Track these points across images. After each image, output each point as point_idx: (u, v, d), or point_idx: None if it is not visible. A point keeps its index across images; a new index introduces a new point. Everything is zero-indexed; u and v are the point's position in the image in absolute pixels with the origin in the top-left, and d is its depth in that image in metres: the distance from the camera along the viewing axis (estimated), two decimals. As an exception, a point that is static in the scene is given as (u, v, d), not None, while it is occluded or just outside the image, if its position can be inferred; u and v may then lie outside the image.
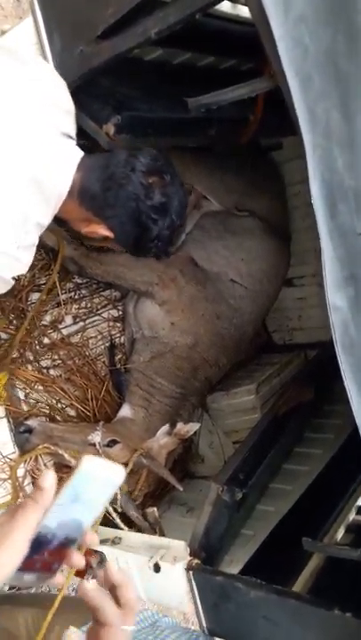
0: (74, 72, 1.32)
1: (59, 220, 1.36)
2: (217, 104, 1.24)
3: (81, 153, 1.31)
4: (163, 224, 1.32)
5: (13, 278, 1.27)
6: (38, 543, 0.67)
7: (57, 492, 0.67)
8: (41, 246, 1.95)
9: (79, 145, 1.33)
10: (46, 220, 1.26)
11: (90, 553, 0.75)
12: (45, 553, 0.68)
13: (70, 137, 1.32)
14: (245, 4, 1.43)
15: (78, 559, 0.71)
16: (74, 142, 1.33)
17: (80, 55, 1.27)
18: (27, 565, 0.66)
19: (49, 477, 0.67)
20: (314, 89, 0.84)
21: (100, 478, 0.68)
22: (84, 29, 1.26)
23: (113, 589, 0.72)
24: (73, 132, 1.34)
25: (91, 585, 0.70)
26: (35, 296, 1.97)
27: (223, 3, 1.31)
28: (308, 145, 0.87)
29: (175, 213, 1.33)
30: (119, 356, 2.24)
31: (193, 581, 1.48)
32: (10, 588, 2.01)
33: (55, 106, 1.28)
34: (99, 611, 0.69)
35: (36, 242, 1.26)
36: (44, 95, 1.26)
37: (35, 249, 1.27)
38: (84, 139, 1.74)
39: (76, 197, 1.30)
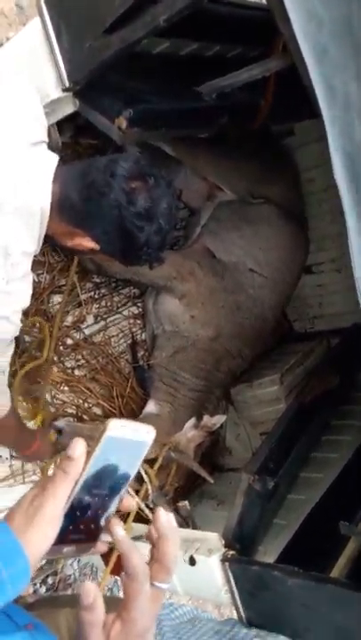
0: (83, 68, 1.32)
1: (45, 236, 1.32)
2: (230, 87, 1.22)
3: (55, 157, 1.24)
4: (150, 230, 1.23)
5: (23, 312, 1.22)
6: (73, 515, 0.65)
7: (86, 461, 0.64)
8: (58, 248, 1.96)
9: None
10: (33, 245, 1.19)
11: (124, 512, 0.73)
12: (82, 524, 0.66)
13: (41, 142, 1.27)
14: (252, -12, 1.43)
15: (115, 525, 0.68)
16: (45, 146, 1.28)
17: (89, 50, 1.26)
18: (64, 538, 0.64)
19: (78, 446, 0.64)
20: (331, 62, 0.83)
21: (128, 441, 0.66)
22: (91, 24, 1.25)
23: (157, 541, 0.69)
24: (44, 135, 1.28)
25: (121, 532, 0.67)
26: (55, 298, 1.98)
27: (229, -13, 1.31)
28: (327, 119, 0.86)
29: (163, 217, 1.24)
30: (142, 353, 2.24)
31: (229, 572, 1.47)
32: (47, 590, 2.03)
33: (22, 115, 1.23)
34: (124, 559, 0.66)
35: (29, 269, 1.19)
36: (7, 108, 1.21)
37: (31, 277, 1.20)
38: (96, 137, 1.75)
39: (55, 212, 1.22)
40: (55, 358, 1.96)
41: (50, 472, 1.82)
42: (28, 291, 1.21)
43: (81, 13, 1.31)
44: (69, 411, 1.97)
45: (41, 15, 1.38)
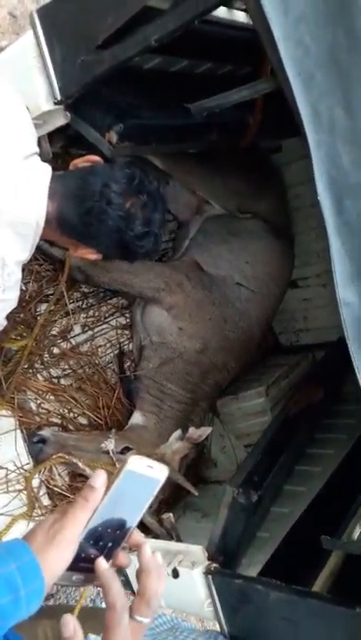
0: (76, 82, 1.33)
1: (48, 240, 1.37)
2: (220, 107, 1.25)
3: (49, 169, 1.28)
4: (148, 244, 1.33)
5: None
6: (86, 543, 0.67)
7: (105, 492, 0.67)
8: (48, 257, 1.97)
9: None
10: (25, 255, 1.24)
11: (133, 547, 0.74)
12: (92, 554, 0.69)
13: (33, 154, 1.29)
14: (242, 9, 1.46)
15: (124, 558, 0.71)
16: (37, 158, 1.31)
17: (81, 65, 1.28)
18: (76, 565, 0.66)
19: (101, 477, 0.67)
20: (317, 87, 0.85)
21: (144, 477, 0.69)
22: (84, 40, 1.27)
23: (139, 575, 0.72)
24: (35, 146, 1.31)
25: (104, 564, 0.70)
26: (43, 307, 1.98)
27: (219, 8, 1.33)
28: (313, 143, 0.88)
29: (158, 227, 1.33)
30: (128, 364, 2.25)
31: (212, 585, 1.47)
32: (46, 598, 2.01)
33: (13, 128, 1.25)
34: (104, 590, 0.68)
35: (20, 277, 1.24)
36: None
37: (20, 283, 1.26)
38: (86, 148, 1.76)
39: (55, 227, 1.28)
40: (41, 367, 1.96)
41: (34, 482, 1.82)
42: (16, 294, 1.27)
43: (74, 28, 1.33)
44: (55, 420, 1.97)
45: (34, 28, 1.40)
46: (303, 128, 0.90)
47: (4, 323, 1.29)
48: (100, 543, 0.69)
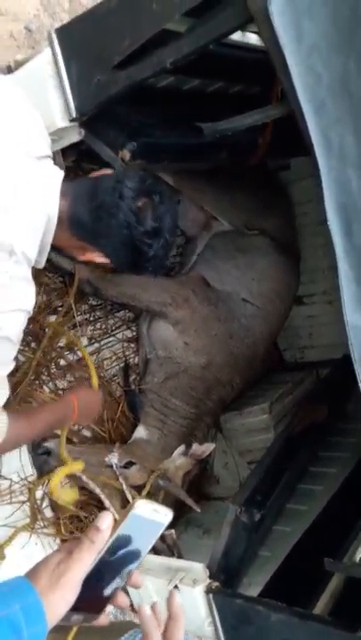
0: (91, 101, 1.36)
1: (55, 248, 1.37)
2: (232, 130, 1.27)
3: (60, 172, 1.29)
4: (157, 246, 1.30)
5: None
6: (87, 584, 0.67)
7: (110, 534, 0.68)
8: (57, 269, 1.99)
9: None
10: (33, 251, 1.21)
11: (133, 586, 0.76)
12: (93, 594, 0.68)
13: (47, 156, 1.31)
14: (255, 32, 1.49)
15: (124, 600, 0.72)
16: (51, 161, 1.32)
17: (97, 85, 1.31)
18: (75, 605, 0.66)
19: (107, 519, 0.68)
20: (328, 114, 0.87)
21: (149, 521, 0.69)
22: (101, 60, 1.30)
23: (168, 621, 0.74)
24: (48, 150, 1.32)
25: (148, 611, 0.72)
26: (51, 319, 1.99)
27: (232, 32, 1.36)
28: (324, 168, 0.90)
29: (168, 232, 1.32)
30: (133, 377, 2.25)
31: (213, 604, 1.46)
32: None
33: (27, 130, 1.26)
34: (147, 637, 0.71)
35: (29, 275, 1.21)
36: (11, 123, 1.24)
37: (33, 284, 1.22)
38: (98, 163, 1.79)
39: (66, 227, 1.28)
40: (48, 379, 1.97)
41: (37, 493, 1.82)
42: (30, 297, 1.21)
43: (91, 49, 1.36)
44: (59, 432, 1.97)
45: (52, 47, 1.43)
46: (313, 153, 0.91)
47: (20, 322, 1.21)
48: (102, 583, 0.69)
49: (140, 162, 1.46)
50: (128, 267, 1.39)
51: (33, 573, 0.67)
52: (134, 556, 0.71)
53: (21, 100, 1.31)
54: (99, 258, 1.35)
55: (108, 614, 0.73)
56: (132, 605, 0.85)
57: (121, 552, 0.69)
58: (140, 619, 0.72)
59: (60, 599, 0.64)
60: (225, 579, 1.51)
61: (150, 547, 0.72)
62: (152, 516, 0.69)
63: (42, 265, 1.29)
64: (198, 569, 1.52)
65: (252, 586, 1.57)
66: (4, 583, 0.65)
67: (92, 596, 0.68)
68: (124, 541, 0.68)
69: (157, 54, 1.19)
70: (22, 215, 1.17)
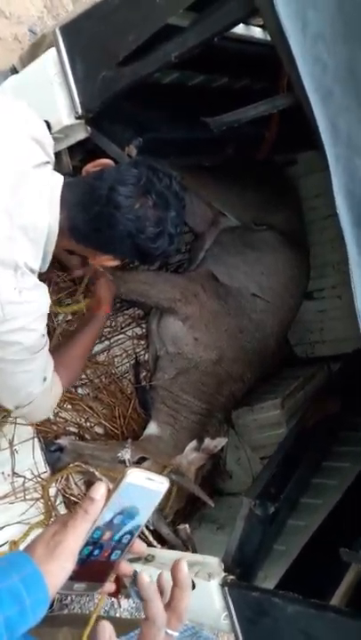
0: (96, 97, 1.37)
1: (68, 251, 1.38)
2: (239, 122, 1.27)
3: (60, 178, 1.27)
4: (163, 244, 1.29)
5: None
6: (87, 553, 0.69)
7: (105, 504, 0.68)
8: (66, 268, 1.99)
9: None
10: (36, 262, 1.21)
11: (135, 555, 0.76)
12: (93, 563, 0.70)
13: (45, 163, 1.28)
14: (259, 25, 1.49)
15: (126, 567, 0.73)
16: (49, 167, 1.30)
17: (102, 81, 1.31)
18: (77, 575, 0.68)
19: (101, 488, 0.69)
20: (335, 103, 0.87)
21: (144, 489, 0.70)
22: (105, 56, 1.30)
23: (172, 589, 0.73)
24: (46, 156, 1.30)
25: (147, 578, 0.71)
26: (61, 317, 2.00)
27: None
28: (331, 157, 0.89)
29: (173, 226, 1.29)
30: (144, 374, 2.26)
31: (229, 597, 1.46)
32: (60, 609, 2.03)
33: (25, 137, 1.25)
34: (147, 604, 0.70)
35: (36, 280, 1.21)
36: (8, 129, 1.23)
37: (44, 287, 1.23)
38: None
39: (69, 237, 1.28)
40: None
41: (51, 490, 1.83)
42: (43, 298, 1.23)
43: (96, 46, 1.36)
44: (71, 429, 1.98)
45: (57, 45, 1.44)
46: (321, 142, 0.91)
47: (40, 329, 1.23)
48: (101, 553, 0.70)
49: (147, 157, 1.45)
50: (139, 261, 1.41)
51: (29, 546, 0.69)
52: (132, 524, 0.71)
53: (18, 110, 1.30)
54: (110, 261, 1.36)
55: (113, 584, 0.74)
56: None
57: (117, 520, 0.70)
58: (139, 586, 0.71)
59: (57, 568, 0.65)
60: (240, 572, 1.51)
61: (149, 515, 0.73)
62: (147, 484, 0.70)
63: (45, 269, 1.29)
64: (213, 563, 1.52)
65: (268, 579, 1.57)
66: (2, 558, 0.67)
67: (93, 566, 0.70)
68: (119, 510, 0.69)
69: (162, 49, 1.20)
70: (25, 231, 1.17)
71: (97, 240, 1.29)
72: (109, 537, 0.70)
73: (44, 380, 1.35)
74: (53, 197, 1.23)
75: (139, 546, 0.75)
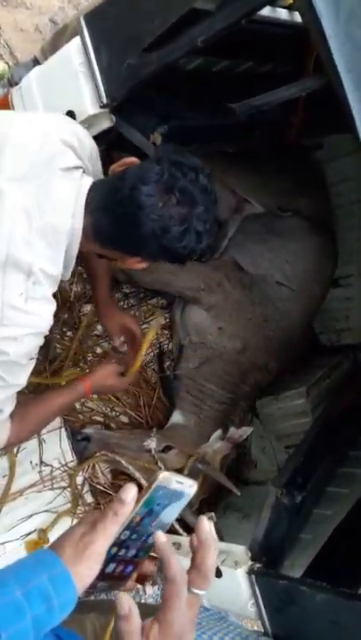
0: (121, 85, 1.36)
1: (98, 255, 1.35)
2: (266, 106, 1.24)
3: (88, 182, 1.24)
4: (190, 242, 1.22)
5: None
6: (113, 553, 0.69)
7: (135, 505, 0.68)
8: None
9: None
10: (56, 268, 1.18)
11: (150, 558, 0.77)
12: (118, 563, 0.70)
13: (74, 167, 1.24)
14: (285, 7, 1.46)
15: (149, 567, 0.73)
16: (79, 172, 1.25)
17: (128, 69, 1.30)
18: (101, 574, 0.68)
19: (131, 491, 0.68)
20: (369, 83, 0.85)
21: (173, 492, 0.70)
22: (131, 43, 1.29)
23: (197, 548, 0.72)
24: (78, 161, 1.26)
25: (163, 537, 0.70)
26: (86, 308, 2.01)
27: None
28: (365, 140, 0.87)
29: (200, 223, 1.22)
30: (168, 363, 2.26)
31: (255, 586, 1.47)
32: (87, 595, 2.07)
33: (56, 140, 1.22)
34: (164, 564, 0.69)
35: (49, 295, 1.18)
36: (38, 133, 1.21)
37: (52, 304, 1.19)
38: (128, 150, 1.79)
39: (94, 241, 1.24)
40: (85, 367, 1.99)
41: (78, 479, 1.85)
42: (46, 316, 1.18)
43: (121, 33, 1.35)
44: (97, 419, 2.00)
45: (81, 34, 1.43)
46: (354, 125, 0.89)
47: (31, 347, 1.18)
48: (127, 553, 0.71)
49: (172, 145, 1.44)
50: (169, 262, 1.32)
51: (57, 545, 0.68)
52: (159, 526, 0.71)
53: (51, 116, 1.29)
54: (139, 264, 1.31)
55: (134, 583, 0.74)
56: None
57: (145, 522, 0.70)
58: (156, 546, 0.70)
59: (85, 570, 0.65)
60: (267, 560, 1.51)
61: (176, 516, 0.73)
62: (176, 487, 0.70)
63: (67, 277, 1.27)
64: (240, 551, 1.52)
65: (295, 568, 1.57)
66: (30, 556, 0.67)
67: (117, 565, 0.70)
68: (148, 512, 0.69)
69: (188, 34, 1.18)
70: (44, 235, 1.14)
71: (122, 242, 1.26)
72: (136, 538, 0.70)
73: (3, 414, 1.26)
74: (79, 201, 1.20)
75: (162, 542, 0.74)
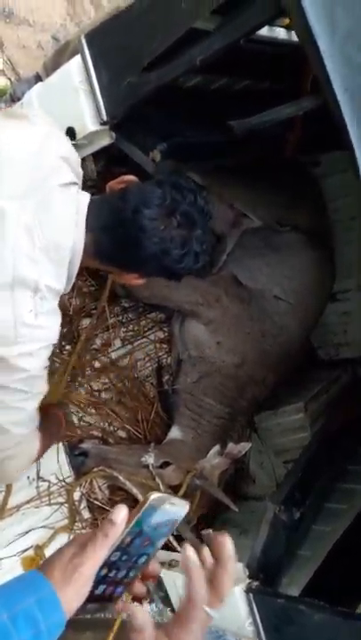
0: (121, 103, 1.37)
1: (97, 269, 1.38)
2: (264, 125, 1.26)
3: (86, 198, 1.25)
4: (188, 263, 1.27)
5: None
6: (102, 575, 0.68)
7: (125, 526, 0.68)
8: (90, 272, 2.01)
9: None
10: (59, 283, 1.19)
11: (148, 577, 0.76)
12: (108, 584, 0.69)
13: (71, 183, 1.25)
14: (283, 26, 1.48)
15: (140, 588, 0.72)
16: (76, 188, 1.27)
17: (127, 87, 1.32)
18: (90, 596, 0.67)
19: (122, 512, 0.68)
20: (365, 103, 0.86)
21: (165, 513, 0.69)
22: (130, 62, 1.31)
23: (215, 565, 0.71)
24: (74, 177, 1.27)
25: (193, 555, 0.70)
26: (85, 321, 2.02)
27: (260, 27, 1.35)
28: (360, 157, 0.88)
29: (198, 244, 1.26)
30: (167, 377, 2.26)
31: (253, 604, 1.45)
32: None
33: (54, 156, 1.22)
34: (191, 583, 0.68)
35: (55, 307, 1.20)
36: (33, 150, 1.20)
37: (58, 315, 1.22)
38: (128, 166, 1.81)
39: (94, 258, 1.26)
40: (83, 381, 1.99)
41: (75, 495, 1.83)
42: (55, 328, 1.21)
43: (120, 51, 1.37)
44: (95, 433, 1.99)
45: (82, 52, 1.45)
46: (350, 143, 0.90)
47: (44, 358, 1.22)
48: (117, 574, 0.70)
49: (170, 162, 1.46)
50: (166, 279, 1.38)
51: (46, 567, 0.67)
52: (150, 547, 0.71)
53: (47, 129, 1.27)
54: (137, 280, 1.35)
55: (126, 603, 0.73)
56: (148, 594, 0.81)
57: (136, 543, 0.69)
58: (183, 562, 0.69)
59: (73, 594, 0.64)
60: (264, 578, 1.49)
61: (167, 536, 0.72)
62: (168, 508, 0.69)
63: (68, 290, 1.28)
64: (238, 568, 1.51)
65: (293, 586, 1.55)
66: (19, 577, 0.66)
67: (107, 586, 0.69)
68: (139, 533, 0.68)
69: (187, 53, 1.20)
70: (46, 251, 1.15)
71: (122, 261, 1.30)
72: (126, 559, 0.69)
73: (34, 423, 1.32)
74: (79, 218, 1.21)
75: (154, 567, 0.73)
